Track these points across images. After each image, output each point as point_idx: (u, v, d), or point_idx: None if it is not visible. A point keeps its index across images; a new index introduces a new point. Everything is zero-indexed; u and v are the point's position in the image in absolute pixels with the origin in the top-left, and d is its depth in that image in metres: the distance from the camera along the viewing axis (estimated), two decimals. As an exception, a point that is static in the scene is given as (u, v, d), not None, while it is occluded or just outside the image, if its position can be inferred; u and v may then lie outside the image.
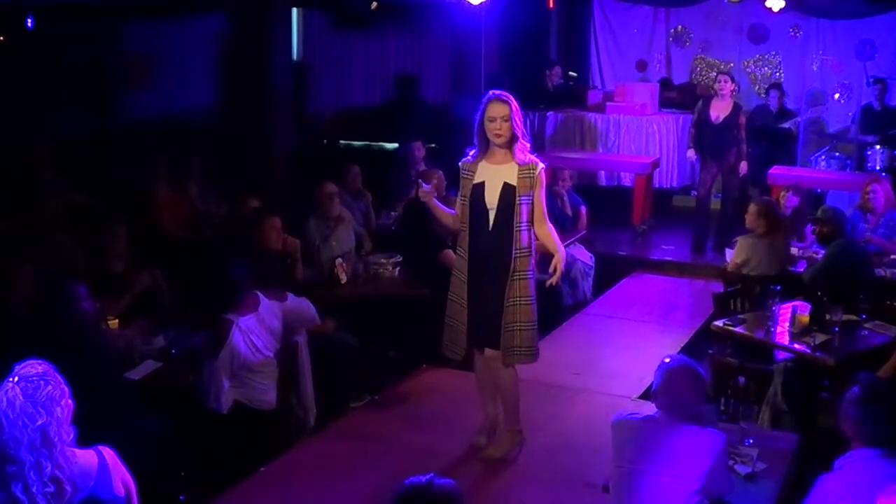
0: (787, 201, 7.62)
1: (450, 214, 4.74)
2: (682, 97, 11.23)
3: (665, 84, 11.56)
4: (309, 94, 11.59)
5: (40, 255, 5.30)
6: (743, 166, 8.79)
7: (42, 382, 2.75)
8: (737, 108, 8.82)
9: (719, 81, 8.90)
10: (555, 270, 4.57)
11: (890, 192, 7.29)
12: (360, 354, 5.82)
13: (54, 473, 2.71)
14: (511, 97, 4.52)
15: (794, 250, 6.85)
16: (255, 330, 4.82)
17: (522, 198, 4.46)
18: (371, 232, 7.55)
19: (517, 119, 4.50)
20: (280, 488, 4.48)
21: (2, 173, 6.84)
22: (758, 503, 3.74)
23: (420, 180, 5.62)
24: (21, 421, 2.69)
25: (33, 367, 2.79)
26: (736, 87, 9.07)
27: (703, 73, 11.96)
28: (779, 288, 5.60)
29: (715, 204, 9.22)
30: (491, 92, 4.55)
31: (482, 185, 4.52)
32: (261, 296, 4.93)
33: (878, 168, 9.28)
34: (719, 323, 5.68)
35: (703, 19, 11.92)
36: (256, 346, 4.82)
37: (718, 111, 8.78)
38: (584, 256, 8.18)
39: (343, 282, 6.32)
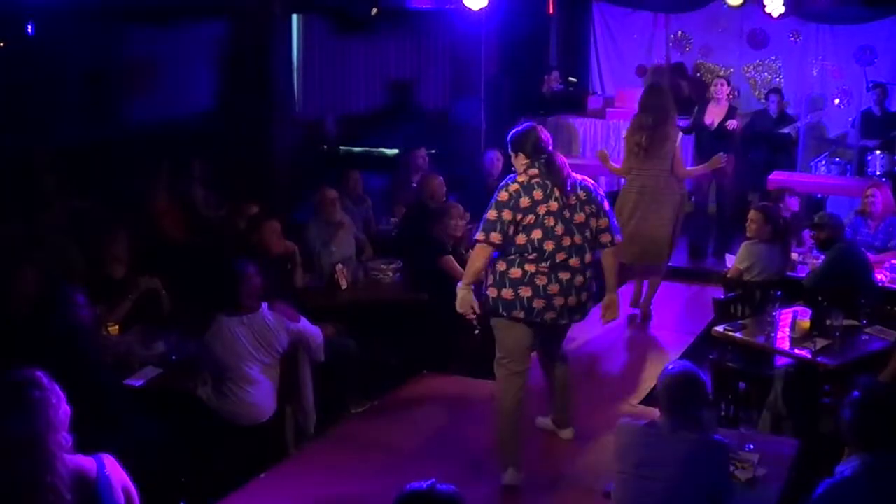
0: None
1: None
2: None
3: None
4: (309, 100, 11.61)
5: (41, 260, 5.30)
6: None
7: (37, 389, 2.74)
8: (731, 110, 8.83)
9: (716, 85, 8.90)
10: None
11: (889, 198, 7.28)
12: (360, 360, 5.82)
13: (52, 482, 2.70)
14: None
15: (794, 255, 6.85)
16: (245, 336, 4.76)
17: None
18: (371, 237, 7.55)
19: None
20: (279, 494, 4.48)
21: (3, 179, 6.84)
22: (758, 509, 3.74)
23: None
24: (17, 429, 2.69)
25: (28, 373, 2.78)
26: (733, 92, 9.07)
27: (703, 78, 11.96)
28: (779, 293, 5.60)
29: (712, 209, 9.21)
30: None
31: None
32: (264, 307, 4.87)
33: (878, 173, 9.26)
34: (720, 328, 5.67)
35: (703, 24, 11.90)
36: (248, 350, 4.75)
37: (713, 116, 8.79)
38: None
39: (343, 287, 6.33)
